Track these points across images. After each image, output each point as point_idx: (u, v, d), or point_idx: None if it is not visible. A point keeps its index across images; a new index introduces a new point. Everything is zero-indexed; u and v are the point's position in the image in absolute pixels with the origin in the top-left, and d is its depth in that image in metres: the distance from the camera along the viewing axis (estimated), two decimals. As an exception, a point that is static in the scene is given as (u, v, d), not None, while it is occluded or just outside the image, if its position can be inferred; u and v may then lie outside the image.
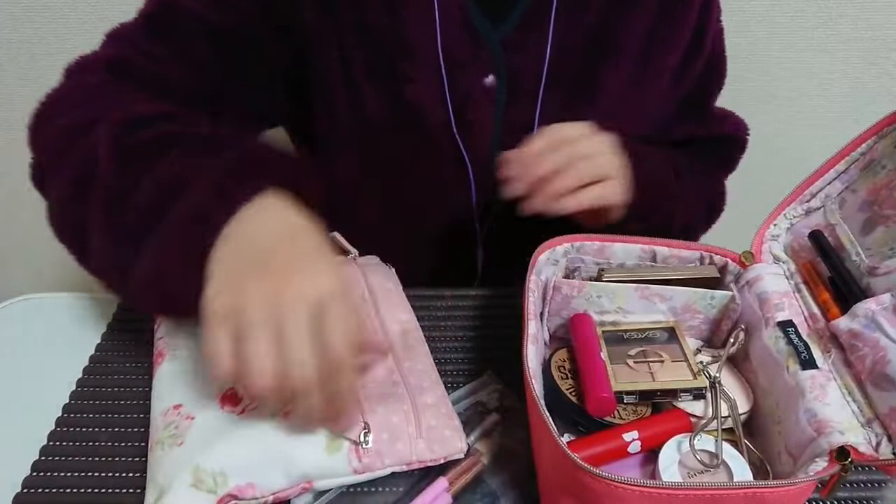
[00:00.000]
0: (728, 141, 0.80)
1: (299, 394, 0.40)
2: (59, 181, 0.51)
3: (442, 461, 0.48)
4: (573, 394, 0.51)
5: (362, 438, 0.46)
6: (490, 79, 0.63)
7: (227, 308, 0.40)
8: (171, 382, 0.52)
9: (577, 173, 0.56)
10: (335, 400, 0.41)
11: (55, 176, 0.52)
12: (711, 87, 0.76)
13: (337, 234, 0.62)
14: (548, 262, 0.56)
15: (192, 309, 0.42)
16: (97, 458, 0.52)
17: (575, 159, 0.56)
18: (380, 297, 0.59)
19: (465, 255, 0.74)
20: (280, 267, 0.41)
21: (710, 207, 0.81)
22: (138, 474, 0.51)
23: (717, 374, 0.51)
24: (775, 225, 0.54)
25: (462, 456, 0.49)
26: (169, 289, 0.45)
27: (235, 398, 0.49)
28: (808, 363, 0.46)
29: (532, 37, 0.62)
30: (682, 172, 0.72)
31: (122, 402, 0.56)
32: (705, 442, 0.47)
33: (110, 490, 0.50)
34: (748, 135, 0.81)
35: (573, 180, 0.55)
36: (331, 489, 0.49)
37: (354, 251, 0.62)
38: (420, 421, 0.48)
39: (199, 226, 0.44)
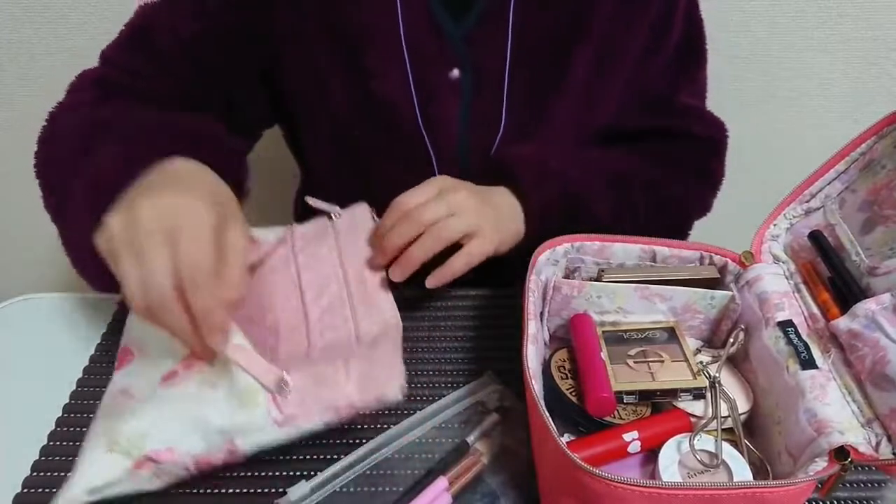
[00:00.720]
0: (699, 143, 0.76)
1: (158, 308, 0.42)
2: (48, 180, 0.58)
3: (375, 403, 0.47)
4: (573, 394, 0.51)
5: (280, 388, 0.46)
6: (455, 73, 0.64)
7: (104, 238, 0.45)
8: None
9: (431, 240, 0.56)
10: (202, 316, 0.43)
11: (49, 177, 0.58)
12: (679, 80, 0.73)
13: (310, 198, 0.63)
14: (548, 262, 0.56)
15: None
16: (97, 458, 0.52)
17: (425, 226, 0.56)
18: (346, 247, 0.60)
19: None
20: (147, 193, 0.45)
21: (673, 215, 0.75)
22: (138, 474, 0.51)
23: (717, 374, 0.51)
24: (775, 225, 0.54)
25: (400, 398, 0.49)
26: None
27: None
28: (808, 363, 0.46)
29: (494, 30, 0.63)
30: (626, 180, 0.70)
31: (122, 402, 0.56)
32: (705, 442, 0.47)
33: (110, 490, 0.50)
34: (725, 137, 0.77)
35: (430, 245, 0.56)
36: (327, 487, 0.49)
37: (335, 208, 0.63)
38: (350, 366, 0.48)
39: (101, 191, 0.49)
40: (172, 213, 0.43)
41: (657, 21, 0.68)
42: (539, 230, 0.61)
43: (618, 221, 0.68)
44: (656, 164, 0.72)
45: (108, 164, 0.51)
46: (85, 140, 0.55)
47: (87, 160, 0.53)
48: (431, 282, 0.58)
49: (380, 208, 0.71)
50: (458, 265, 0.57)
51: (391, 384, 0.49)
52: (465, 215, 0.58)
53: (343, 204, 0.68)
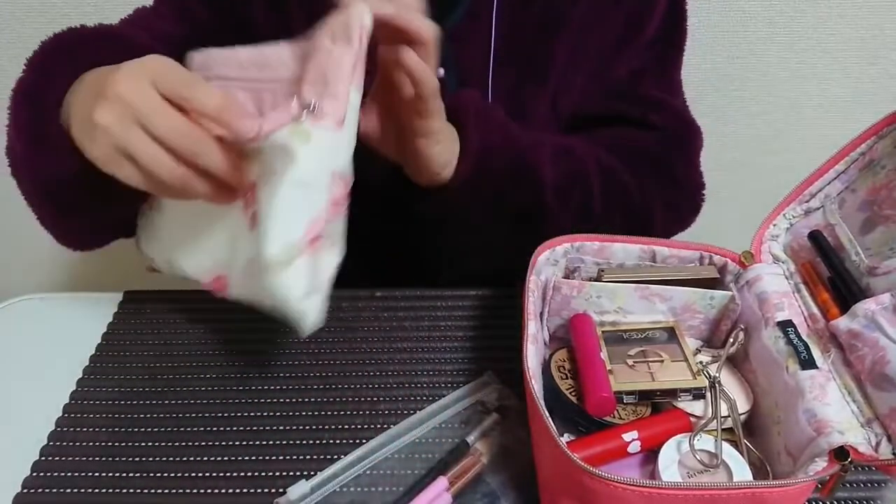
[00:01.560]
0: (655, 134, 0.70)
1: (193, 149, 0.43)
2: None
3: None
4: (573, 394, 0.51)
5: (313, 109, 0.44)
6: (440, 72, 0.64)
7: (81, 134, 0.45)
8: None
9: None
10: (220, 110, 0.43)
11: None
12: (649, 69, 0.70)
13: None
14: (548, 262, 0.56)
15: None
16: (97, 458, 0.52)
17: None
18: None
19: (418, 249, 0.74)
20: (100, 80, 0.44)
21: (630, 207, 0.69)
22: (138, 474, 0.51)
23: (717, 374, 0.51)
24: (775, 225, 0.54)
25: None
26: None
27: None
28: (808, 363, 0.46)
29: (478, 27, 0.63)
30: (577, 154, 0.65)
31: (122, 402, 0.56)
32: (705, 442, 0.47)
33: (110, 490, 0.50)
34: (692, 135, 0.72)
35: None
36: (327, 487, 0.49)
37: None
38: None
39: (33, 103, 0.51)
40: (124, 83, 0.43)
41: (632, 12, 0.67)
42: (473, 172, 0.57)
43: (567, 197, 0.63)
44: (612, 150, 0.68)
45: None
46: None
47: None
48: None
49: (364, 208, 0.71)
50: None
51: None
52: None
53: None
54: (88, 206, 0.54)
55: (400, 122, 0.53)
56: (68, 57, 0.53)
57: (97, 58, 0.50)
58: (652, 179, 0.70)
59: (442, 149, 0.55)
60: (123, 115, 0.42)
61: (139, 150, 0.43)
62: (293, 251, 0.44)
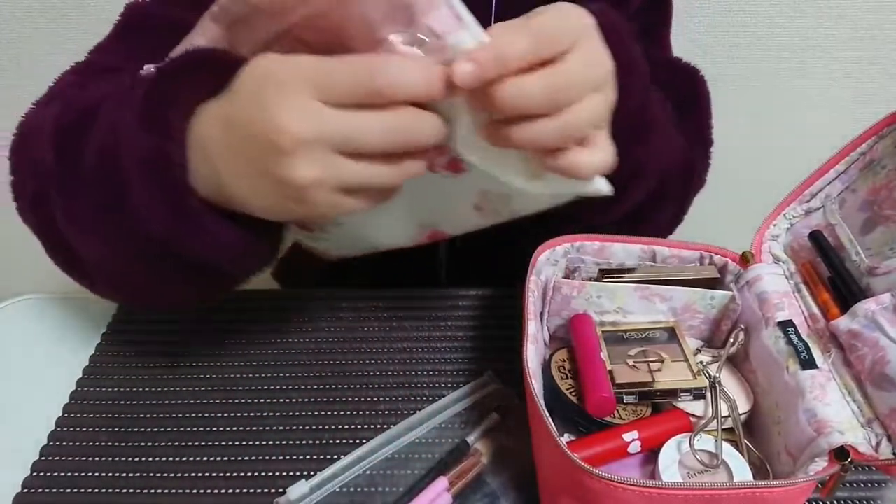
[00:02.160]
0: (680, 88, 0.65)
1: (382, 185, 0.38)
2: (26, 208, 0.48)
3: None
4: (573, 394, 0.51)
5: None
6: None
7: (271, 203, 0.38)
8: None
9: (571, 127, 0.38)
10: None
11: (21, 203, 0.49)
12: (644, 34, 0.66)
13: None
14: (548, 263, 0.55)
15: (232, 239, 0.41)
16: (97, 458, 0.52)
17: (576, 104, 0.37)
18: None
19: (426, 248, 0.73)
20: (248, 132, 0.36)
21: (686, 162, 0.63)
22: (138, 474, 0.51)
23: (717, 374, 0.51)
24: (775, 225, 0.54)
25: None
26: (175, 246, 0.41)
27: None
28: (808, 363, 0.46)
29: (475, 9, 0.62)
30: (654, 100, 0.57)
31: (122, 402, 0.56)
32: (705, 442, 0.47)
33: (110, 490, 0.50)
34: (702, 79, 0.68)
35: (565, 135, 0.38)
36: (327, 487, 0.49)
37: None
38: None
39: (154, 171, 0.39)
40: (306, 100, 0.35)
41: None
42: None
43: (665, 128, 0.57)
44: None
45: (135, 139, 0.40)
46: (87, 110, 0.44)
47: (95, 134, 0.42)
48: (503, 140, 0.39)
49: None
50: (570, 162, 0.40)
51: None
52: (609, 92, 0.41)
53: None
54: (240, 275, 0.46)
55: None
56: (170, 105, 0.40)
57: (196, 91, 0.40)
58: (681, 127, 0.64)
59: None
60: (323, 157, 0.35)
61: (360, 179, 0.36)
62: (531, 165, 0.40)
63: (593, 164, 0.40)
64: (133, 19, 0.59)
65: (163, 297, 0.49)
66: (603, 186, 0.43)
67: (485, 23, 0.36)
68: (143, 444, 0.53)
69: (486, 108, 0.36)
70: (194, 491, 0.50)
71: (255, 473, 0.51)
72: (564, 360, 0.54)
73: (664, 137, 0.57)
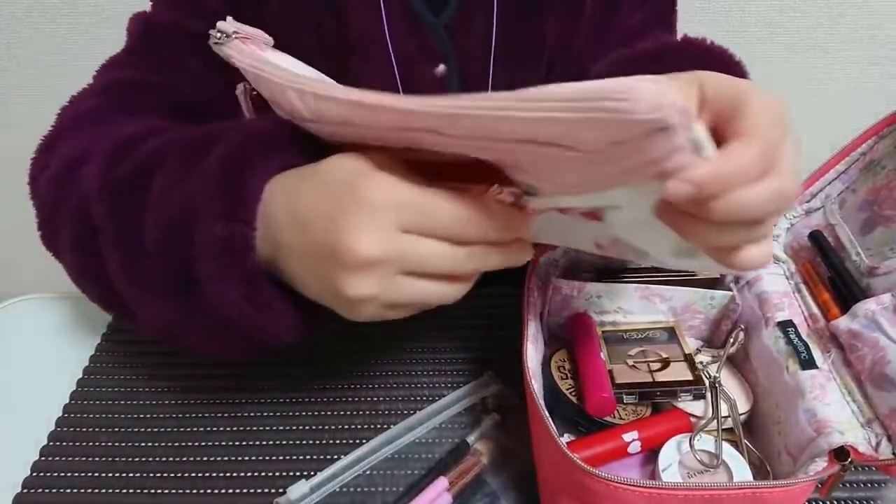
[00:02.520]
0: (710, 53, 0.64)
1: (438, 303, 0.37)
2: (62, 244, 0.47)
3: None
4: (573, 394, 0.51)
5: None
6: (441, 68, 0.63)
7: (329, 303, 0.37)
8: None
9: (768, 230, 0.35)
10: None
11: (55, 239, 0.48)
12: (654, 21, 0.67)
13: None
14: (548, 262, 0.56)
15: (278, 333, 0.40)
16: (97, 458, 0.52)
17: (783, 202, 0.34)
18: None
19: None
20: (319, 236, 0.35)
21: None
22: (138, 474, 0.51)
23: (717, 374, 0.51)
24: (775, 225, 0.54)
25: None
26: (242, 325, 0.41)
27: None
28: (808, 363, 0.46)
29: (476, 16, 0.62)
30: None
31: (122, 402, 0.56)
32: (705, 442, 0.47)
33: (110, 490, 0.50)
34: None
35: (759, 238, 0.35)
36: (327, 487, 0.49)
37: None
38: None
39: (230, 254, 0.38)
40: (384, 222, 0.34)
41: None
42: None
43: None
44: None
45: (208, 216, 0.39)
46: (141, 168, 0.43)
47: (157, 204, 0.41)
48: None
49: None
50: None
51: None
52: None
53: None
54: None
55: None
56: (245, 185, 0.39)
57: (269, 168, 0.39)
58: None
59: None
60: (384, 279, 0.35)
61: (415, 299, 0.36)
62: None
63: (761, 257, 0.36)
64: (144, 30, 0.59)
65: (209, 352, 0.47)
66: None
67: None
68: (143, 444, 0.53)
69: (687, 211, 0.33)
70: (194, 491, 0.50)
71: (255, 473, 0.51)
72: (564, 360, 0.54)
73: None
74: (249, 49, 0.41)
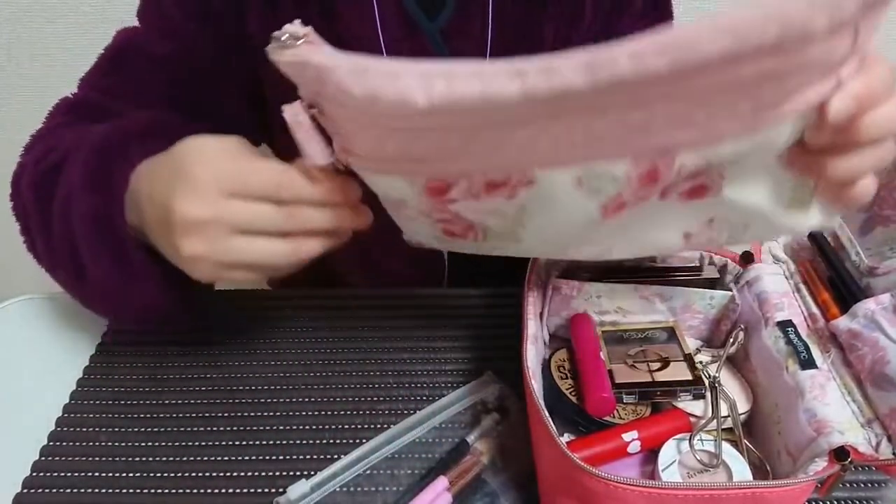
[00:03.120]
0: None
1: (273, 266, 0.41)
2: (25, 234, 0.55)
3: None
4: (573, 394, 0.51)
5: None
6: None
7: (177, 263, 0.42)
8: None
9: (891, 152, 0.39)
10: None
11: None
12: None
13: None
14: (548, 262, 0.56)
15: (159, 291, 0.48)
16: (97, 458, 0.52)
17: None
18: None
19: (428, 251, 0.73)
20: (160, 205, 0.41)
21: None
22: (138, 474, 0.51)
23: (717, 374, 0.51)
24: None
25: None
26: (117, 289, 0.49)
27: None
28: (808, 363, 0.46)
29: (471, 21, 0.62)
30: None
31: (122, 402, 0.56)
32: (705, 442, 0.47)
33: (110, 490, 0.50)
34: None
35: (884, 162, 0.38)
36: (327, 486, 0.49)
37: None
38: None
39: (101, 231, 0.46)
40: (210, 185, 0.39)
41: None
42: None
43: None
44: None
45: (83, 199, 0.47)
46: (44, 177, 0.51)
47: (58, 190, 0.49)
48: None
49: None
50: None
51: None
52: None
53: None
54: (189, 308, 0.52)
55: None
56: (115, 167, 0.47)
57: (145, 154, 0.46)
58: None
59: None
60: (214, 237, 0.40)
61: (249, 258, 0.40)
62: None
63: (873, 186, 0.39)
64: (123, 51, 0.60)
65: (106, 315, 0.57)
66: (830, 223, 0.42)
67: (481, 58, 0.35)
68: (143, 443, 0.53)
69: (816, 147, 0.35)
70: (194, 491, 0.50)
71: (255, 473, 0.51)
72: (564, 360, 0.54)
73: None
74: (327, 50, 0.36)
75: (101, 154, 0.48)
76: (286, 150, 0.69)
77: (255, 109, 0.65)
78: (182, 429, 0.54)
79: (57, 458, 0.52)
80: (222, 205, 0.39)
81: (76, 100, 0.60)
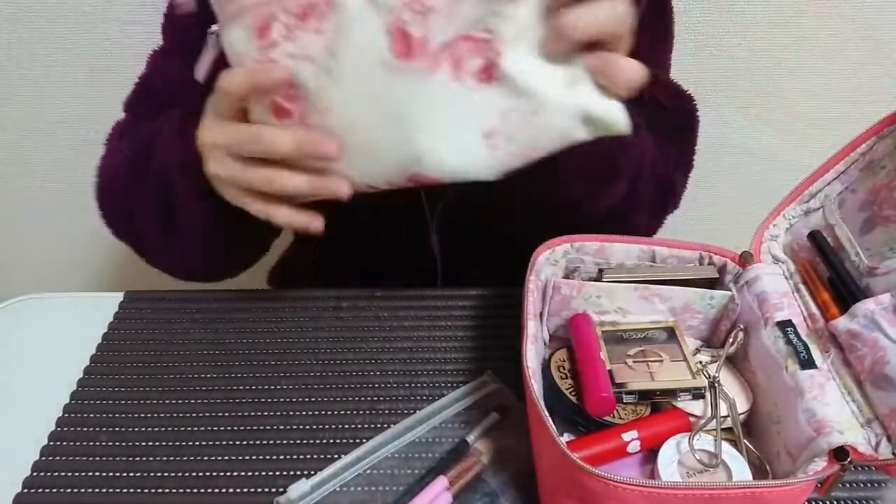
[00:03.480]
0: (669, 113, 0.70)
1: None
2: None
3: None
4: (573, 393, 0.51)
5: None
6: None
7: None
8: None
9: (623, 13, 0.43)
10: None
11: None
12: (649, 53, 0.70)
13: None
14: (547, 263, 0.56)
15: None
16: (97, 458, 0.52)
17: None
18: None
19: (418, 245, 0.73)
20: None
21: (660, 188, 0.68)
22: (138, 474, 0.51)
23: (717, 374, 0.52)
24: (774, 225, 0.54)
25: None
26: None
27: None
28: (808, 363, 0.46)
29: None
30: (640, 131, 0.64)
31: (122, 402, 0.56)
32: (704, 442, 0.47)
33: (110, 490, 0.50)
34: (695, 109, 0.72)
35: (619, 22, 0.43)
36: (327, 486, 0.49)
37: None
38: None
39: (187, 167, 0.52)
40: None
41: None
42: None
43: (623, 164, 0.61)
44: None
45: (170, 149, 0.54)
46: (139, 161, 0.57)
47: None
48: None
49: (356, 204, 0.71)
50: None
51: None
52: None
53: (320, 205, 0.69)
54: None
55: None
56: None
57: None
58: (672, 156, 0.70)
59: None
60: (221, 159, 0.47)
61: (246, 181, 0.47)
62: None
63: (632, 67, 0.44)
64: (148, 70, 0.65)
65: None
66: (623, 121, 0.45)
67: None
68: (143, 443, 0.53)
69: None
70: (194, 491, 0.50)
71: (255, 473, 0.51)
72: (564, 360, 0.54)
73: (642, 143, 0.62)
74: None
75: (183, 118, 0.54)
76: None
77: None
78: (182, 429, 0.54)
79: (57, 458, 0.52)
80: (218, 131, 0.47)
81: (123, 125, 0.65)
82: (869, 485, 0.51)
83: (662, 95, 0.69)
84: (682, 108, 0.72)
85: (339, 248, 0.76)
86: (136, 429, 0.54)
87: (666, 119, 0.69)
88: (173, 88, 0.62)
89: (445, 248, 0.73)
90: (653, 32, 0.70)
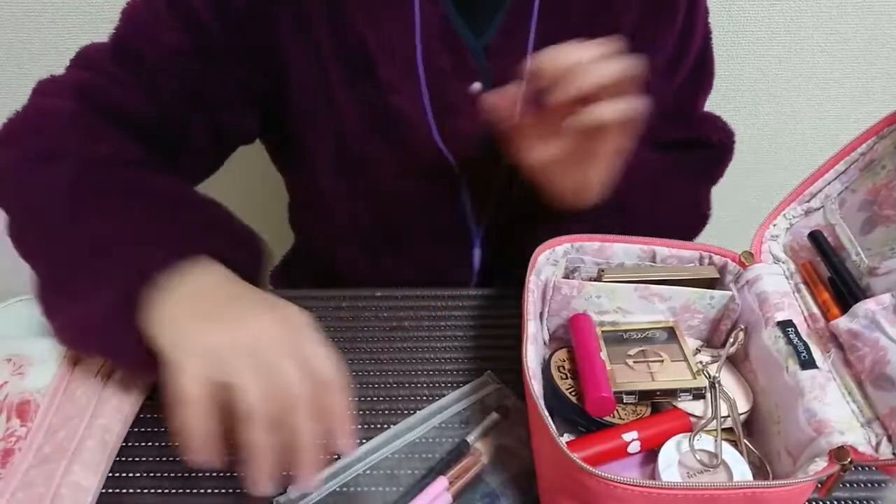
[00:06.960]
0: (715, 149, 0.76)
1: (288, 411, 0.40)
2: (15, 206, 0.54)
3: None
4: (573, 394, 0.51)
5: None
6: (476, 85, 0.63)
7: (200, 350, 0.41)
8: None
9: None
10: (326, 418, 0.42)
11: (10, 199, 0.55)
12: (698, 91, 0.73)
13: None
14: (547, 262, 0.56)
15: (130, 355, 0.46)
16: (97, 458, 0.52)
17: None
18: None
19: (461, 257, 0.74)
20: (237, 312, 0.43)
21: (687, 221, 0.76)
22: (138, 474, 0.51)
23: (717, 374, 0.51)
24: (775, 225, 0.54)
25: None
26: (105, 335, 0.48)
27: None
28: (808, 363, 0.46)
29: (515, 41, 0.62)
30: (662, 176, 0.70)
31: (122, 402, 0.56)
32: (705, 442, 0.47)
33: (111, 490, 0.50)
34: (734, 143, 0.77)
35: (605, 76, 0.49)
36: (327, 486, 0.49)
37: None
38: None
39: (133, 280, 0.45)
40: (283, 325, 0.42)
41: (683, 29, 0.66)
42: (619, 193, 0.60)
43: (644, 216, 0.67)
44: (678, 166, 0.72)
45: (139, 252, 0.47)
46: (111, 191, 0.52)
47: (109, 222, 0.50)
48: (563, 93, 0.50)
49: (396, 217, 0.70)
50: (616, 108, 0.50)
51: None
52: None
53: (358, 217, 0.69)
54: None
55: (577, 149, 0.54)
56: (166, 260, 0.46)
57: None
58: (704, 192, 0.76)
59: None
60: (224, 358, 0.41)
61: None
62: None
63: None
64: (134, 39, 0.59)
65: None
66: None
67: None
68: (143, 444, 0.53)
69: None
70: (194, 491, 0.50)
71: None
72: (564, 360, 0.54)
73: (661, 206, 0.69)
74: None
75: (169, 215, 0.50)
76: (294, 173, 0.69)
77: (250, 128, 0.66)
78: (182, 429, 0.54)
79: (57, 458, 0.52)
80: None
81: (80, 82, 0.59)
82: (869, 485, 0.51)
83: (711, 130, 0.74)
84: (725, 144, 0.76)
85: (354, 262, 0.76)
86: (136, 429, 0.54)
87: (711, 157, 0.75)
88: (162, 56, 0.57)
89: (485, 262, 0.74)
90: (697, 83, 0.73)
